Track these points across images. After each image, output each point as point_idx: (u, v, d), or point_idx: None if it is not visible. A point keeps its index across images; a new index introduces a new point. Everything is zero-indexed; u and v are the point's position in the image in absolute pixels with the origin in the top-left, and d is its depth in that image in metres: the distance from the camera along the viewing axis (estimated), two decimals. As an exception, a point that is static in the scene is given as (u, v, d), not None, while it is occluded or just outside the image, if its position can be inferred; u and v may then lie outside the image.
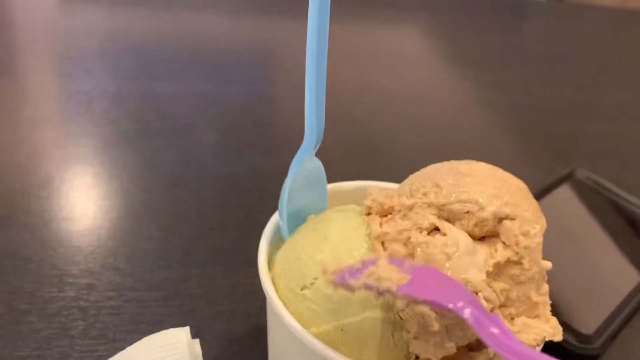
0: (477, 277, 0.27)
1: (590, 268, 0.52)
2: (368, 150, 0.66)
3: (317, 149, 0.33)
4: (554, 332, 0.28)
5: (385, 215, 0.31)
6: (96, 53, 0.81)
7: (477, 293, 0.27)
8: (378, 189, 0.32)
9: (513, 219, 0.29)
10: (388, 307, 0.28)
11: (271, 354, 0.36)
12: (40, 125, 0.64)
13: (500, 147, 0.72)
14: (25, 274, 0.45)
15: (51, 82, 0.74)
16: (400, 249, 0.28)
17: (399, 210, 0.30)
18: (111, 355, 0.38)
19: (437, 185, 0.30)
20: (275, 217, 0.35)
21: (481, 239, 0.29)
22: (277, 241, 0.35)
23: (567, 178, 0.62)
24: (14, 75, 0.74)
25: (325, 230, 0.31)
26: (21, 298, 0.43)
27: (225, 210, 0.54)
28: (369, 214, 0.32)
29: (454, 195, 0.29)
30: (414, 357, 0.29)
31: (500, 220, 0.29)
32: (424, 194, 0.30)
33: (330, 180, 0.37)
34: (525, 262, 0.28)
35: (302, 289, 0.30)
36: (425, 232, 0.29)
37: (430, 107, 0.79)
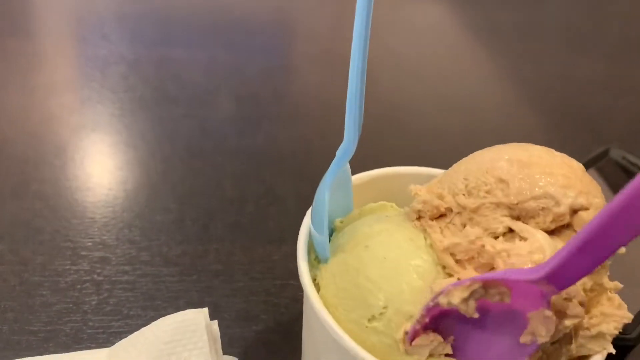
0: None
1: (626, 254, 0.49)
2: (390, 127, 0.63)
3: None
4: (624, 315, 0.26)
5: (438, 218, 0.28)
6: (113, 17, 0.78)
7: (571, 300, 0.24)
8: (423, 189, 0.29)
9: (587, 209, 0.26)
10: None
11: None
12: (55, 91, 0.62)
13: (529, 124, 0.69)
14: (37, 245, 0.43)
15: (66, 46, 0.72)
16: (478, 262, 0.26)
17: (458, 212, 0.27)
18: (126, 332, 0.36)
19: (502, 180, 0.27)
20: (306, 228, 0.30)
21: (552, 232, 0.27)
22: (308, 252, 0.31)
23: (601, 158, 0.59)
24: (28, 37, 0.72)
25: (378, 247, 0.27)
26: (33, 270, 0.41)
27: (244, 183, 0.52)
28: (418, 217, 0.29)
29: (526, 192, 0.26)
30: None
31: (574, 211, 0.26)
32: (488, 192, 0.27)
33: (351, 162, 0.34)
34: None
35: (370, 321, 0.26)
36: (501, 238, 0.26)
37: (456, 82, 0.76)
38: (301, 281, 0.28)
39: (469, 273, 0.26)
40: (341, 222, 0.32)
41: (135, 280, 0.42)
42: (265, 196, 0.51)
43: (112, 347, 0.33)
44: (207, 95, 0.64)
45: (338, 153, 0.29)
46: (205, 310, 0.31)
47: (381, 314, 0.26)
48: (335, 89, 0.61)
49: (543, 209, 0.26)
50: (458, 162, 0.29)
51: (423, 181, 0.30)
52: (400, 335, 0.25)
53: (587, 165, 0.58)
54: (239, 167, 0.54)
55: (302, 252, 0.29)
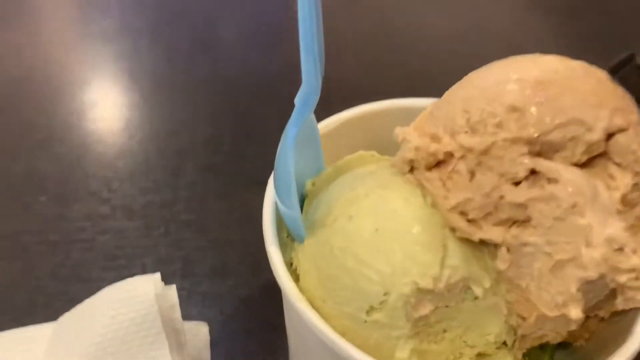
0: (617, 227, 0.19)
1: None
2: (369, 44, 0.56)
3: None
4: None
5: (437, 166, 0.22)
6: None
7: (622, 249, 0.19)
8: (413, 132, 0.22)
9: (625, 130, 0.20)
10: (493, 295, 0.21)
11: None
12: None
13: (543, 24, 0.61)
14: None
15: None
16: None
17: (462, 157, 0.21)
18: (86, 297, 0.32)
19: (514, 109, 0.20)
20: (270, 201, 0.24)
21: (583, 165, 0.21)
22: (279, 231, 0.24)
23: (626, 63, 0.52)
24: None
25: (366, 216, 0.21)
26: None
27: (218, 117, 0.46)
28: (411, 169, 0.22)
29: (548, 120, 0.20)
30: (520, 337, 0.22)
31: (610, 135, 0.20)
32: (499, 126, 0.20)
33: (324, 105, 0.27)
34: None
35: (369, 313, 0.21)
36: (524, 184, 0.20)
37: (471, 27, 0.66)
38: (274, 273, 0.22)
39: (490, 233, 0.20)
40: (313, 184, 0.25)
41: (93, 239, 0.37)
42: (241, 130, 0.45)
43: (57, 322, 0.28)
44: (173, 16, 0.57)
45: (297, 102, 0.22)
46: (157, 276, 0.26)
47: (382, 302, 0.20)
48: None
49: (572, 138, 0.20)
50: (451, 89, 0.23)
51: (410, 118, 0.24)
52: None
53: (611, 71, 0.51)
54: (212, 100, 0.48)
55: (270, 233, 0.23)
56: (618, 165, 0.20)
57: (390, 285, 0.20)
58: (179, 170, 0.42)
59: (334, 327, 0.21)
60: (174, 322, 0.27)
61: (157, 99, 0.48)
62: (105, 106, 0.47)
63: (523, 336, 0.22)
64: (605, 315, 0.23)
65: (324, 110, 0.26)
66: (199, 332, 0.30)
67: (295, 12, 0.20)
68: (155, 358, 0.25)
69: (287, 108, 0.22)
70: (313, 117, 0.24)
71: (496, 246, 0.21)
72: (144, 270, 0.35)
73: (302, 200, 0.25)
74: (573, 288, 0.19)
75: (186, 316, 0.30)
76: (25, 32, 0.54)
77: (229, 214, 0.39)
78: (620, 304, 0.21)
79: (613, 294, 0.21)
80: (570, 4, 0.65)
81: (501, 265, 0.20)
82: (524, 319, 0.21)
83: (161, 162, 0.42)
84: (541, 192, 0.19)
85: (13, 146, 0.42)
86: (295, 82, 0.21)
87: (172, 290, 0.27)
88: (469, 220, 0.21)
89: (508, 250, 0.20)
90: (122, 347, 0.25)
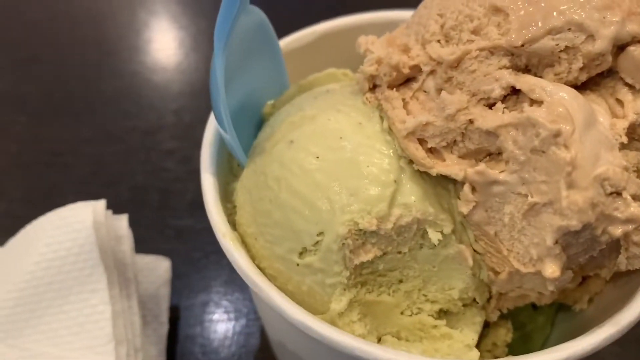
0: (614, 165, 0.15)
1: None
2: None
3: None
4: None
5: (403, 85, 0.18)
6: None
7: (619, 193, 0.15)
8: (376, 41, 0.19)
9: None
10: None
11: (271, 333, 0.25)
12: None
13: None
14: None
15: None
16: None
17: (432, 72, 0.17)
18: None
19: (497, 10, 0.16)
20: (212, 127, 0.21)
21: (584, 85, 0.17)
22: (227, 160, 0.22)
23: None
24: None
25: (308, 142, 0.18)
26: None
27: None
28: (373, 87, 0.19)
29: (537, 24, 0.16)
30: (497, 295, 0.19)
31: (620, 48, 0.16)
32: (476, 32, 0.17)
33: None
34: None
35: (301, 256, 0.18)
36: (499, 105, 0.16)
37: None
38: (205, 203, 0.19)
39: (451, 167, 0.17)
40: (273, 105, 0.22)
41: (69, 162, 0.34)
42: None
43: (4, 247, 0.26)
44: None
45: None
46: (100, 203, 0.24)
47: (316, 244, 0.17)
48: None
49: (567, 48, 0.16)
50: None
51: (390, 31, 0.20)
52: None
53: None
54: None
55: (207, 159, 0.20)
56: (630, 86, 0.16)
57: (326, 224, 0.17)
58: (167, 96, 0.39)
59: (264, 270, 0.18)
60: (122, 254, 0.24)
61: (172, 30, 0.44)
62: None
63: (501, 295, 0.19)
64: (606, 276, 0.19)
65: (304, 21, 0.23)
66: (157, 267, 0.27)
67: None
68: (93, 291, 0.23)
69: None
70: (267, 22, 0.21)
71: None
72: (117, 199, 0.33)
73: (262, 124, 0.22)
74: (549, 240, 0.15)
75: (154, 251, 0.28)
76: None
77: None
78: (623, 264, 0.17)
79: (616, 248, 0.17)
80: None
81: (463, 207, 0.17)
82: (496, 273, 0.18)
83: (150, 85, 0.39)
84: (517, 116, 0.15)
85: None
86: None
87: (122, 220, 0.25)
88: (430, 150, 0.17)
89: (474, 189, 0.17)
90: (58, 277, 0.23)
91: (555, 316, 0.23)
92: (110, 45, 0.42)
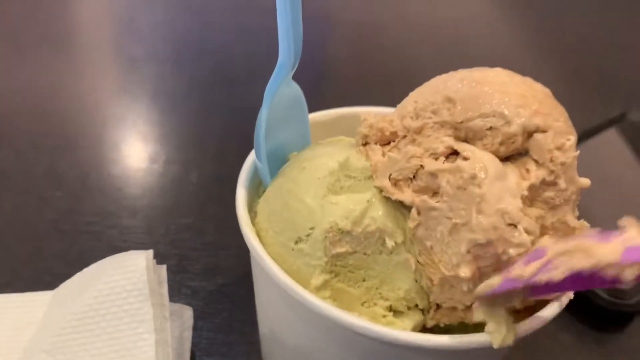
0: (513, 205, 0.22)
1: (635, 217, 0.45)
2: (363, 68, 0.60)
3: (294, 70, 0.27)
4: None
5: (387, 144, 0.26)
6: None
7: (515, 226, 0.22)
8: (373, 114, 0.27)
9: (545, 132, 0.23)
10: (401, 253, 0.25)
11: (262, 320, 0.31)
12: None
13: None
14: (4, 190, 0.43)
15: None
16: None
17: (404, 136, 0.25)
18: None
19: (450, 100, 0.24)
20: (251, 159, 0.29)
21: (506, 159, 0.24)
22: (257, 186, 0.30)
23: (618, 120, 0.55)
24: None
25: (315, 169, 0.26)
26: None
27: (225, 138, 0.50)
28: (365, 143, 0.27)
29: (473, 110, 0.24)
30: (435, 307, 0.25)
31: (529, 134, 0.24)
32: (434, 112, 0.25)
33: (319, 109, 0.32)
34: (562, 182, 0.23)
35: (296, 243, 0.25)
36: (442, 159, 0.24)
37: (471, 45, 0.72)
38: (237, 207, 0.27)
39: (405, 195, 0.24)
40: (296, 156, 0.30)
41: (101, 232, 0.40)
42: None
43: (57, 289, 0.31)
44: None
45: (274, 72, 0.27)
46: (149, 252, 0.29)
47: (308, 235, 0.25)
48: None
49: (491, 128, 0.23)
50: (417, 88, 0.27)
51: None
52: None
53: (603, 127, 0.54)
54: (222, 119, 0.52)
55: (243, 178, 0.28)
56: (536, 161, 0.24)
57: (316, 222, 0.25)
58: (184, 178, 0.45)
59: (270, 253, 0.25)
60: (161, 297, 0.29)
61: (174, 117, 0.52)
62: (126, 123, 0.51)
63: (438, 306, 0.25)
64: (520, 307, 0.25)
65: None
66: (183, 314, 0.33)
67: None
68: (141, 322, 0.28)
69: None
70: (301, 96, 0.29)
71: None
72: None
73: None
74: (464, 248, 0.22)
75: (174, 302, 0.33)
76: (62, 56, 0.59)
77: (225, 220, 0.42)
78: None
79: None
80: (569, 66, 0.69)
81: (410, 223, 0.24)
82: (432, 282, 0.24)
83: (171, 169, 0.46)
84: (451, 164, 0.23)
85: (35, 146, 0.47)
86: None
87: (163, 269, 0.30)
88: (395, 184, 0.25)
89: (419, 212, 0.24)
90: (111, 310, 0.28)
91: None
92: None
